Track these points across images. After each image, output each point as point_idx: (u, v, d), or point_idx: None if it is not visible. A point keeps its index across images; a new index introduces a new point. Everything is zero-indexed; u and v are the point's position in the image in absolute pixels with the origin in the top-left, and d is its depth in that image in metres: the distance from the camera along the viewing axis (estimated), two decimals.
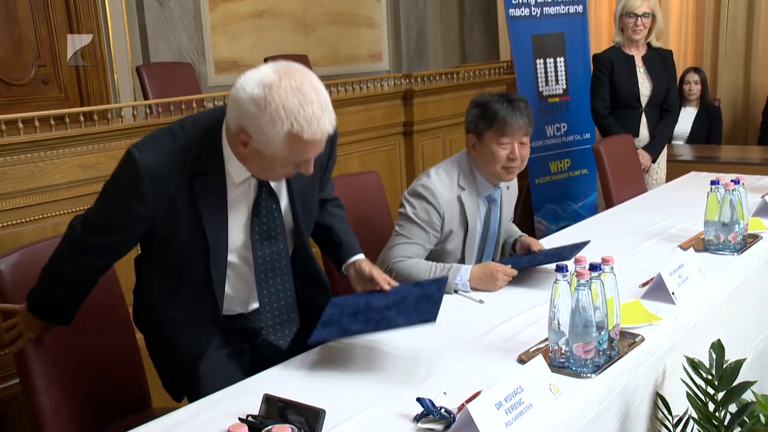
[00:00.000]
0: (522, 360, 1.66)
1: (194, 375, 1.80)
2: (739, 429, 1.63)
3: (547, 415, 1.41)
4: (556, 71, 4.75)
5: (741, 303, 2.27)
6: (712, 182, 2.35)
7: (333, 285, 2.05)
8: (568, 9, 4.78)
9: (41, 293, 1.76)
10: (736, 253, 2.33)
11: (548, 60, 4.73)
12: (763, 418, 1.73)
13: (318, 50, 5.49)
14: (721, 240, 2.35)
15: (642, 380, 1.71)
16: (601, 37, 5.71)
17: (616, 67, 3.85)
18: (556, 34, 4.75)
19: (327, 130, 1.58)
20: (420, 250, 2.27)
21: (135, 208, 1.64)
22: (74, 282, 1.77)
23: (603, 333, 1.60)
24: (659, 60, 3.89)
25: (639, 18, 3.78)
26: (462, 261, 2.36)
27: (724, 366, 1.64)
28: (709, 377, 1.64)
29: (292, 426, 1.32)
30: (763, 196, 2.85)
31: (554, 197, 4.70)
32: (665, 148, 3.99)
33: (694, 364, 1.65)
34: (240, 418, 1.41)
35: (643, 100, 3.87)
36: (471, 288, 2.16)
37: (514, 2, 4.61)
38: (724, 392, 1.63)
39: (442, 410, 1.39)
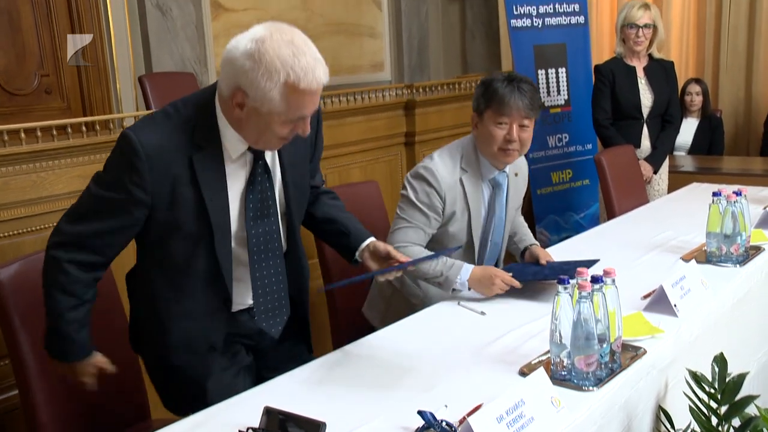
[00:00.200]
0: (523, 372, 1.65)
1: (202, 394, 1.76)
2: None
3: (548, 429, 1.40)
4: (557, 82, 4.75)
5: (743, 315, 2.26)
6: (714, 194, 2.35)
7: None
8: (570, 20, 4.78)
9: (49, 319, 1.71)
10: (738, 265, 2.32)
11: (550, 70, 4.74)
12: None
13: None
14: (723, 252, 2.35)
15: (644, 393, 1.70)
16: (602, 48, 5.71)
17: (618, 78, 3.86)
18: (558, 45, 4.76)
19: (322, 80, 1.60)
20: (421, 235, 2.26)
21: (132, 190, 1.60)
22: (73, 288, 1.67)
23: (605, 346, 1.59)
24: (661, 71, 3.90)
25: (640, 29, 3.78)
26: (469, 245, 2.34)
27: (727, 379, 1.64)
28: (712, 391, 1.63)
29: None
30: (765, 208, 2.85)
31: (556, 208, 4.70)
32: (667, 159, 3.99)
33: (697, 378, 1.65)
34: (240, 431, 1.40)
35: (645, 111, 3.87)
36: (468, 288, 2.16)
37: (515, 13, 4.62)
38: (727, 406, 1.62)
39: (444, 423, 1.38)
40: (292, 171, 1.82)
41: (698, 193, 3.43)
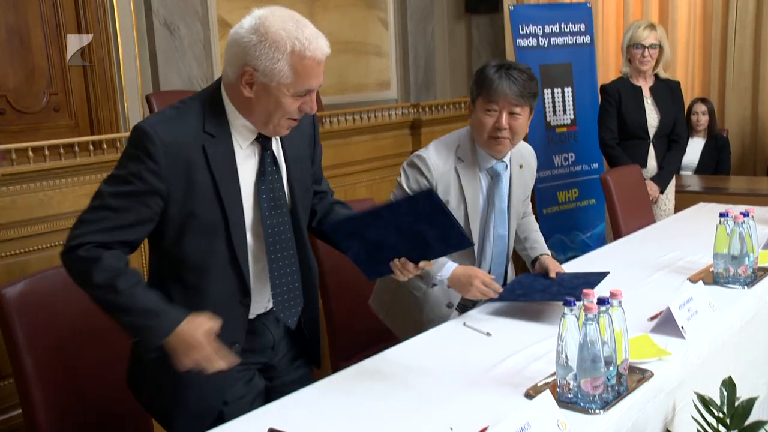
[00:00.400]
0: (529, 395, 1.64)
1: (219, 420, 1.72)
2: None
3: None
4: (563, 101, 4.76)
5: (752, 338, 2.24)
6: (721, 215, 2.33)
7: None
8: (576, 39, 4.80)
9: (122, 315, 1.60)
10: (746, 287, 2.31)
11: (556, 90, 4.75)
12: None
13: (326, 78, 5.43)
14: (730, 273, 2.33)
15: (651, 417, 1.69)
16: (608, 68, 5.73)
17: (624, 97, 3.86)
18: (564, 65, 4.77)
19: (325, 50, 1.66)
20: None
21: (149, 178, 1.59)
22: (116, 265, 1.58)
23: (611, 368, 1.58)
24: (667, 91, 3.90)
25: (646, 49, 3.79)
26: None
27: (736, 404, 1.62)
28: (721, 415, 1.62)
29: None
30: None
31: (562, 227, 4.69)
32: (673, 178, 3.98)
33: (705, 402, 1.63)
34: None
35: (651, 131, 3.87)
36: (447, 286, 2.15)
37: (521, 32, 4.64)
38: (736, 431, 1.60)
39: None
40: (296, 168, 1.83)
41: (705, 212, 3.41)
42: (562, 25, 4.77)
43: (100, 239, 1.59)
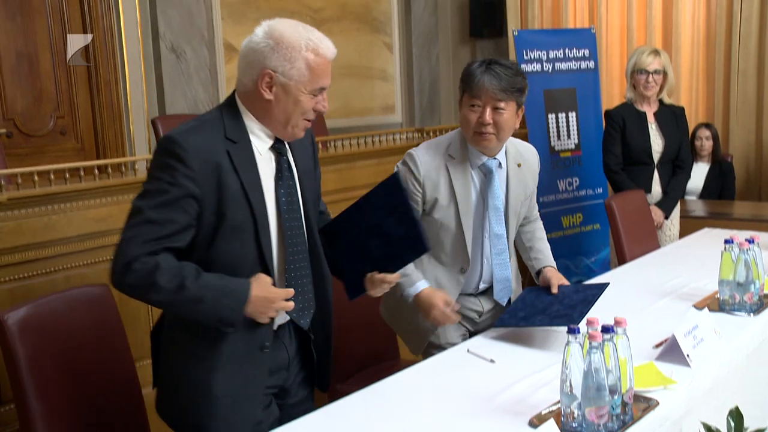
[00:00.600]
0: (533, 423, 1.63)
1: None
2: None
3: None
4: (567, 126, 4.77)
5: (759, 366, 2.22)
6: (726, 241, 2.32)
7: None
8: (580, 65, 4.83)
9: (199, 307, 1.67)
10: (752, 314, 2.29)
11: (560, 115, 4.76)
12: None
13: (331, 102, 5.48)
14: (736, 300, 2.32)
15: None
16: (612, 93, 5.74)
17: (628, 123, 3.87)
18: (568, 90, 4.79)
19: (333, 50, 1.79)
20: None
21: (184, 183, 1.65)
22: (176, 265, 1.66)
23: (616, 397, 1.56)
24: (671, 117, 3.91)
25: (650, 75, 3.80)
26: (459, 234, 2.31)
27: None
28: None
29: None
30: None
31: (567, 252, 4.67)
32: (678, 203, 3.97)
33: None
34: None
35: (656, 157, 3.87)
36: (411, 302, 2.23)
37: (526, 57, 4.67)
38: None
39: None
40: (305, 178, 1.91)
41: (710, 238, 3.40)
42: (567, 51, 4.79)
43: (149, 249, 1.64)
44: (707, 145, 4.98)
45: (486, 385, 1.86)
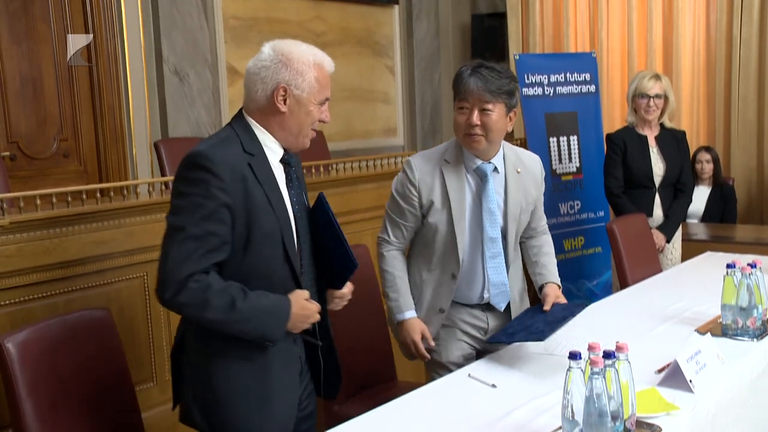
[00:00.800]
0: None
1: None
2: None
3: None
4: (569, 149, 4.78)
5: (762, 392, 2.20)
6: (728, 266, 2.32)
7: None
8: (581, 88, 4.85)
9: (248, 324, 1.78)
10: (755, 339, 2.28)
11: (561, 138, 4.78)
12: None
13: (333, 125, 5.56)
14: (739, 325, 2.31)
15: None
16: (613, 116, 5.76)
17: (630, 147, 3.88)
18: (569, 113, 4.81)
19: (332, 64, 1.92)
20: (399, 232, 2.39)
21: (218, 194, 1.73)
22: (226, 286, 1.75)
23: (618, 423, 1.55)
24: (672, 141, 3.92)
25: (651, 99, 3.82)
26: (451, 238, 2.32)
27: None
28: None
29: None
30: None
31: (568, 275, 4.65)
32: (680, 227, 3.97)
33: None
34: None
35: (657, 180, 3.87)
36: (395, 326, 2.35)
37: (527, 81, 4.69)
38: None
39: None
40: (303, 192, 2.00)
41: (712, 262, 3.39)
42: (568, 74, 4.82)
43: (201, 267, 1.73)
44: (708, 168, 4.99)
45: (487, 411, 1.85)
